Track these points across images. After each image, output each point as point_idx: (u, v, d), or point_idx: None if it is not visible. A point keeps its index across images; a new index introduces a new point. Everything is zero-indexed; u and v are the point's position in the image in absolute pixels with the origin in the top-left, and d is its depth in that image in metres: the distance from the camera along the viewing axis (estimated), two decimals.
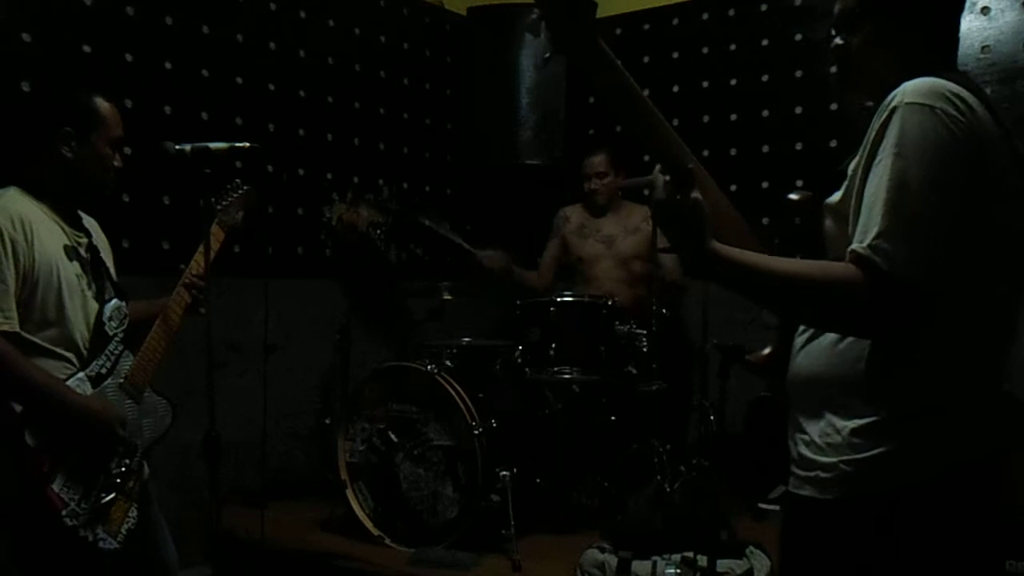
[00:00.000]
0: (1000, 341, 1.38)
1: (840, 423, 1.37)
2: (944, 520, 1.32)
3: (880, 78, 1.40)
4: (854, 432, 1.35)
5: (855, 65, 1.48)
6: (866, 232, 1.26)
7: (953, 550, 1.34)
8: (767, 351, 1.64)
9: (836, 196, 1.43)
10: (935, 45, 1.43)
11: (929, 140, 1.26)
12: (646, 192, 3.69)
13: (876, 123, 1.32)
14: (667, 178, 1.31)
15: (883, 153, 1.29)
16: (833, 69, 3.99)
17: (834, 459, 1.37)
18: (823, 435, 1.40)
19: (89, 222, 2.38)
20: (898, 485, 1.33)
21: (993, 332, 1.37)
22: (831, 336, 1.40)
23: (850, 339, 1.37)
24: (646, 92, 1.50)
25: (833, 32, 1.51)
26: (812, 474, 1.41)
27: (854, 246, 1.27)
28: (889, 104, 1.31)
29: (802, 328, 1.48)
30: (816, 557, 1.43)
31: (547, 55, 1.30)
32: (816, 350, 1.43)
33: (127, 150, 2.33)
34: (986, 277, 1.33)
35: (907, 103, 1.29)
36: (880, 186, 1.27)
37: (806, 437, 1.44)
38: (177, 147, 2.20)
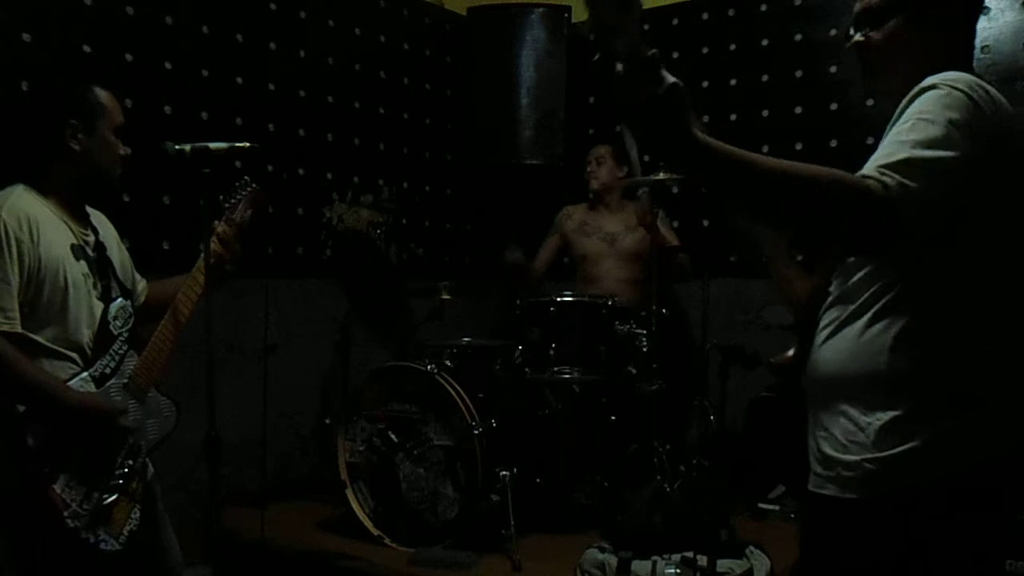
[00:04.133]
0: None
1: (864, 420, 1.37)
2: (968, 518, 1.32)
3: (900, 75, 1.42)
4: (878, 429, 1.35)
5: (876, 61, 1.49)
6: (875, 161, 1.27)
7: (976, 548, 1.33)
8: (791, 352, 1.62)
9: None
10: (954, 45, 1.45)
11: (956, 106, 1.28)
12: (640, 193, 3.68)
13: (904, 104, 1.34)
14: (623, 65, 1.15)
15: (908, 115, 1.31)
16: (832, 69, 4.07)
17: (857, 457, 1.37)
18: (845, 432, 1.39)
19: (97, 217, 2.36)
20: (923, 482, 1.32)
21: (1020, 326, 1.36)
22: (854, 330, 1.40)
23: (873, 333, 1.37)
24: None
25: (852, 29, 1.52)
26: (834, 472, 1.40)
27: (862, 171, 1.26)
28: (920, 87, 1.33)
29: (822, 325, 1.48)
30: (838, 557, 1.41)
31: (597, 56, 1.23)
32: (838, 345, 1.43)
33: (127, 150, 2.32)
34: (1015, 267, 1.34)
35: (939, 84, 1.31)
36: (899, 132, 1.29)
37: (827, 435, 1.43)
38: (177, 147, 2.20)
